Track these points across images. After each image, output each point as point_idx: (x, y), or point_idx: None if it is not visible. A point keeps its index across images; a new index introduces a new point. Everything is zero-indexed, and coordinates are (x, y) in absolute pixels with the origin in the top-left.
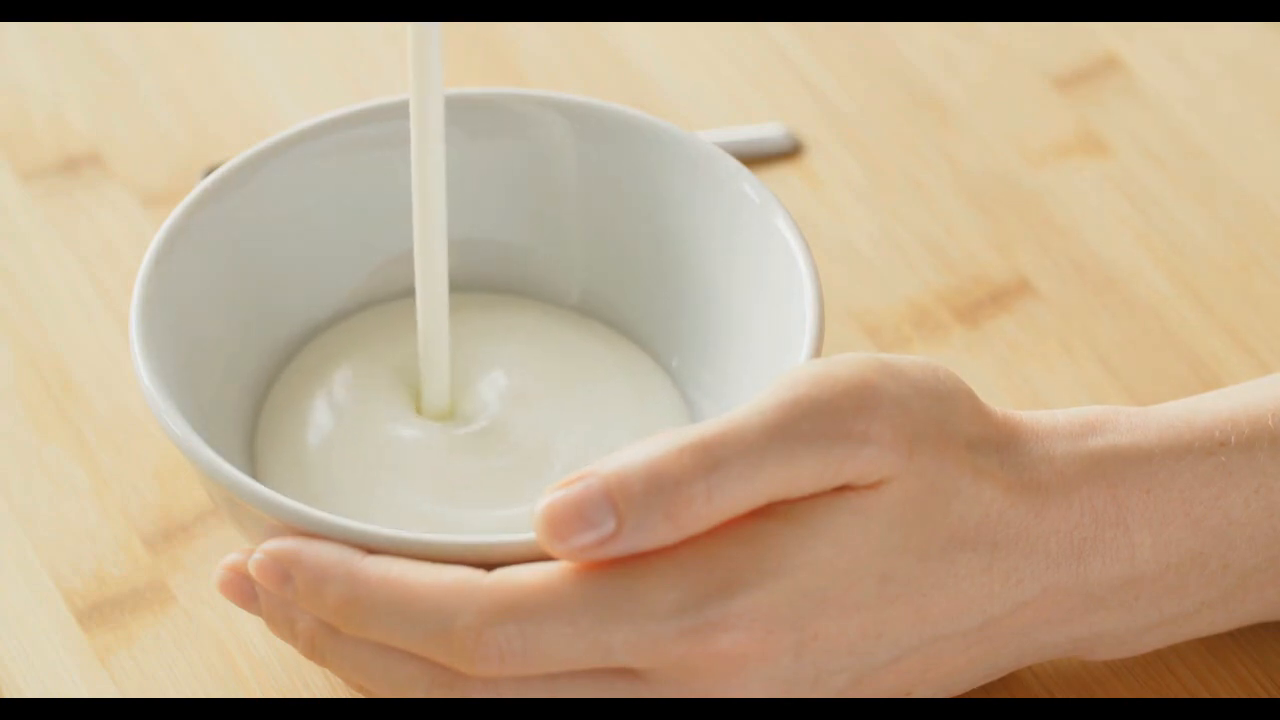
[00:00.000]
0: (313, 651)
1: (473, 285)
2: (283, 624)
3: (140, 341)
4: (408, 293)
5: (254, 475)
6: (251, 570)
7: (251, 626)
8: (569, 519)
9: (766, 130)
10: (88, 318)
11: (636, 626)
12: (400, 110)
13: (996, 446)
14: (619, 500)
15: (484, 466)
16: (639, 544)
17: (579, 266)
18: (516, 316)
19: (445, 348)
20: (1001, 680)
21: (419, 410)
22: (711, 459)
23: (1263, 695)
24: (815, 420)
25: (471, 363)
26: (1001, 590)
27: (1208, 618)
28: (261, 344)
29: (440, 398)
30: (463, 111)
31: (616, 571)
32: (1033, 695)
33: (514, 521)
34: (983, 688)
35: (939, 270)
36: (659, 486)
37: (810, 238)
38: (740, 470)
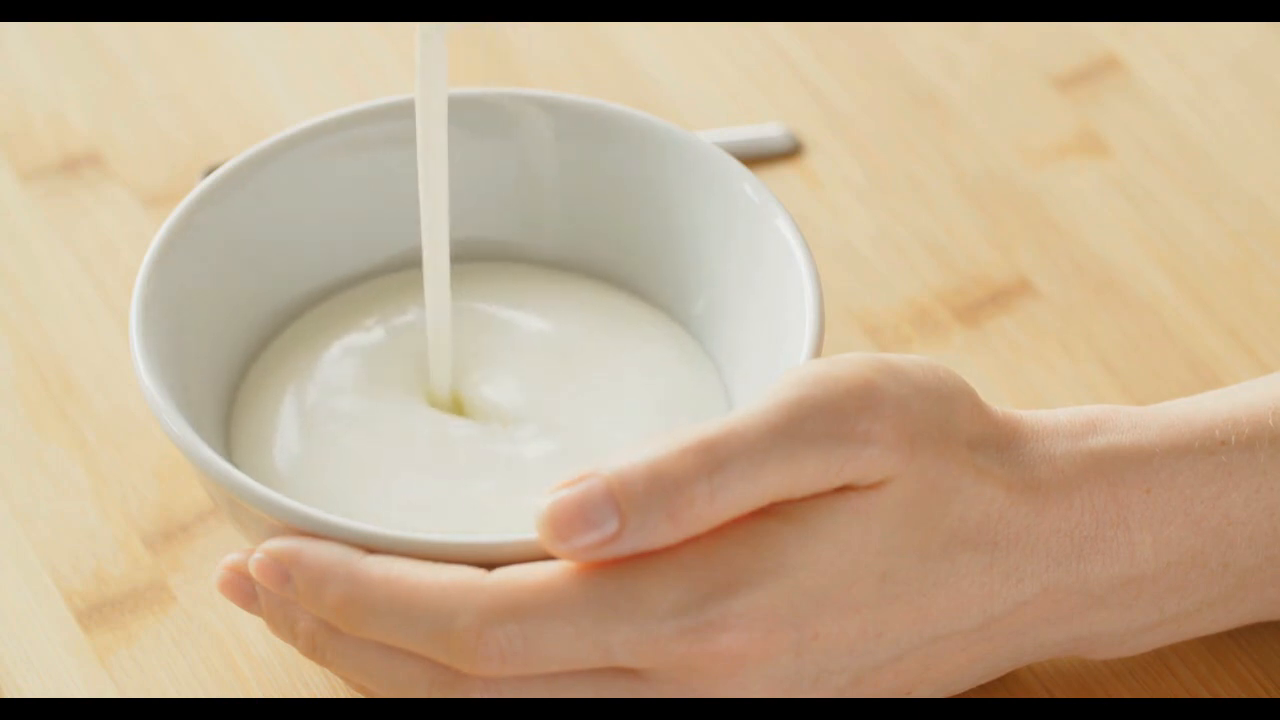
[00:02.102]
0: (313, 651)
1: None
2: (283, 624)
3: (140, 341)
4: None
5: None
6: (251, 570)
7: (251, 626)
8: (571, 519)
9: (766, 130)
10: (88, 318)
11: (637, 626)
12: (400, 110)
13: (997, 446)
14: (621, 500)
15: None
16: (641, 544)
17: (576, 266)
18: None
19: (448, 336)
20: (1001, 680)
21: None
22: (714, 459)
23: (1263, 695)
24: (818, 420)
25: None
26: (1002, 589)
27: (1208, 617)
28: (262, 343)
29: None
30: (462, 111)
31: (617, 571)
32: (1033, 695)
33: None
34: (983, 688)
35: (939, 270)
36: (661, 487)
37: (810, 238)
38: (743, 470)
